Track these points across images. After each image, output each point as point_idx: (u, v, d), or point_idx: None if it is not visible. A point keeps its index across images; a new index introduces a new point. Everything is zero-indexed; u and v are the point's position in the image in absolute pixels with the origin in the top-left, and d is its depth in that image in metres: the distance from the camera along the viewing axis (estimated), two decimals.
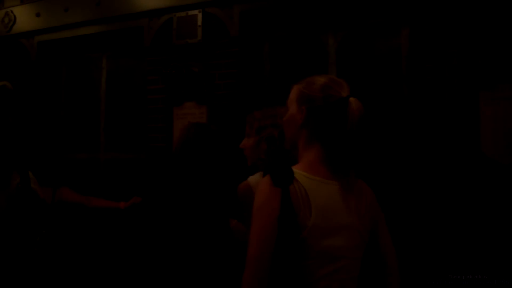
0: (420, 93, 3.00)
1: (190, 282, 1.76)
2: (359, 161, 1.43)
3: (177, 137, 2.03)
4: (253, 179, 1.86)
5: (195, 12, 3.59)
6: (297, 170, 1.37)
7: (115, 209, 2.96)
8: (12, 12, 4.54)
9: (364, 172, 1.53)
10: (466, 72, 2.85)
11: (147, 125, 3.81)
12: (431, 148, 2.87)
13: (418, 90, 3.06)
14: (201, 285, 1.76)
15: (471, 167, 2.75)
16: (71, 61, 4.66)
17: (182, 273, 1.78)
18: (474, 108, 2.83)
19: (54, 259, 2.47)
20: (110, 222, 3.57)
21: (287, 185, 1.31)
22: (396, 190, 3.06)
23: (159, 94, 3.77)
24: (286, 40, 3.62)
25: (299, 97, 1.46)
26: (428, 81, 2.92)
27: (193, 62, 3.60)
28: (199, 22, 3.56)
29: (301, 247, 1.28)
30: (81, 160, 4.44)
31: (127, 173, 4.08)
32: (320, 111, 1.39)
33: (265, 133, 1.88)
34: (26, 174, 2.53)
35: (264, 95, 3.61)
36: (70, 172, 4.37)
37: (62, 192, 2.94)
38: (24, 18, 4.48)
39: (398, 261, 1.51)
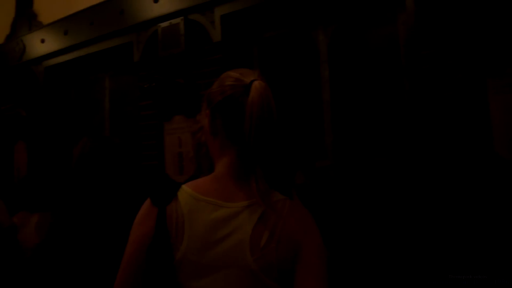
0: (419, 83, 2.57)
1: None
2: (276, 159, 1.12)
3: (75, 152, 1.82)
4: None
5: (178, 20, 3.38)
6: (186, 187, 1.09)
7: None
8: (21, 41, 4.63)
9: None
10: (472, 58, 2.39)
11: (141, 143, 3.64)
12: (434, 145, 2.44)
13: (417, 81, 2.63)
14: None
15: (478, 162, 2.32)
16: (78, 83, 4.65)
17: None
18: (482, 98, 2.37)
19: None
20: None
21: (164, 205, 1.06)
22: (397, 190, 2.68)
23: (150, 110, 3.60)
24: (274, 41, 3.31)
25: (205, 101, 1.18)
26: (427, 71, 2.49)
27: (179, 73, 3.39)
28: (182, 31, 3.35)
29: (172, 282, 1.01)
30: None
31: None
32: (220, 106, 1.11)
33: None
34: None
35: None
36: None
37: None
38: (31, 46, 4.54)
39: None
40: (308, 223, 1.08)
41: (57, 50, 4.30)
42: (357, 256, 2.64)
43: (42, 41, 4.40)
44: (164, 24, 3.46)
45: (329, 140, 3.00)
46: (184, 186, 1.09)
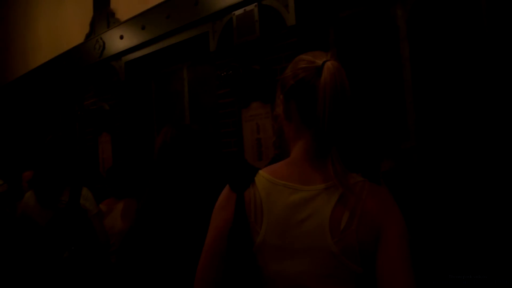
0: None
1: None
2: (353, 142, 1.12)
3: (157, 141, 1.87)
4: None
5: (252, 7, 3.40)
6: (263, 172, 1.11)
7: None
8: (101, 38, 4.86)
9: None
10: None
11: (220, 131, 3.73)
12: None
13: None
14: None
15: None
16: (157, 75, 4.83)
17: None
18: None
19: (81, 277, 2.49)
20: None
21: (242, 190, 1.09)
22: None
23: (228, 98, 3.66)
24: (350, 21, 3.24)
25: (279, 87, 1.19)
26: None
27: (254, 60, 3.42)
28: (256, 17, 3.37)
29: (254, 266, 1.04)
30: None
31: None
32: (292, 90, 1.11)
33: None
34: (76, 190, 2.60)
35: None
36: None
37: None
38: (111, 42, 4.76)
39: None
40: (389, 205, 1.06)
41: (136, 45, 4.46)
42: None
43: (121, 37, 4.59)
44: (239, 11, 3.49)
45: (411, 121, 2.90)
46: (261, 171, 1.11)
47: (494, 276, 2.11)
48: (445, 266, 2.28)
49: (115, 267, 2.79)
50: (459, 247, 2.26)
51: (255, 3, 3.37)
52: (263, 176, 1.10)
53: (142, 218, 1.78)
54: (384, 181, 2.21)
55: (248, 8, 3.43)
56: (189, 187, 1.76)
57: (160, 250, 1.67)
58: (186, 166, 1.78)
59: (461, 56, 2.72)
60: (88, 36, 5.30)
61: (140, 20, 4.37)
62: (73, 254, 2.45)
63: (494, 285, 2.09)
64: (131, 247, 1.80)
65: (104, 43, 4.83)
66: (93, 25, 5.23)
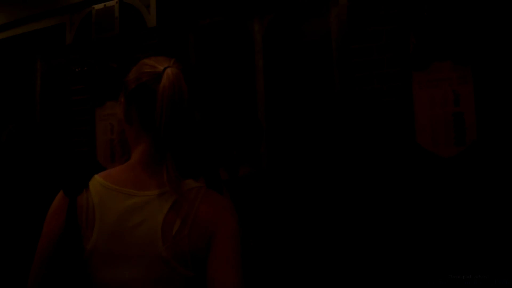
0: (350, 78, 2.63)
1: None
2: (189, 149, 1.11)
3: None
4: None
5: (113, 3, 3.29)
6: (99, 177, 1.08)
7: None
8: None
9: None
10: (397, 51, 2.46)
11: (73, 129, 3.52)
12: (362, 137, 2.51)
13: (348, 75, 2.69)
14: None
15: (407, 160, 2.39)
16: (7, 64, 4.42)
17: None
18: (407, 92, 2.44)
19: None
20: None
21: (75, 195, 1.05)
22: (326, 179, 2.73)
23: (82, 95, 3.48)
24: (210, 29, 3.28)
25: (122, 89, 1.16)
26: (357, 65, 2.55)
27: (112, 58, 3.30)
28: (116, 14, 3.26)
29: (83, 273, 1.00)
30: None
31: None
32: (133, 94, 1.09)
33: None
34: None
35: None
36: None
37: None
38: None
39: None
40: (222, 211, 1.07)
41: None
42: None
43: None
44: (99, 6, 3.35)
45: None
46: (96, 176, 1.08)
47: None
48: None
49: None
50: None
51: (116, 0, 3.26)
52: (97, 181, 1.06)
53: None
54: (242, 185, 2.20)
55: (109, 4, 3.31)
56: (23, 188, 1.67)
57: None
58: (23, 167, 1.69)
59: (309, 71, 2.91)
60: None
61: None
62: None
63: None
64: None
65: None
66: None
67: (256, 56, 3.09)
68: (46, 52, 4.10)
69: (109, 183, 1.05)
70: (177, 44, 3.30)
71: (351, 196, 2.55)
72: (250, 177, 2.23)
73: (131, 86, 1.10)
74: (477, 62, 2.32)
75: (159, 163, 1.06)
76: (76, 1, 3.48)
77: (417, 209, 2.35)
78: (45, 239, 1.05)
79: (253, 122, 2.23)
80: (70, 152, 3.49)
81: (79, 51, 3.49)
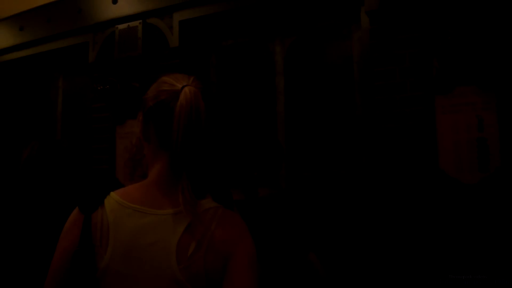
0: (372, 101, 2.62)
1: None
2: (206, 170, 1.09)
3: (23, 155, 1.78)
4: None
5: (136, 23, 3.34)
6: (115, 194, 1.06)
7: None
8: None
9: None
10: (420, 75, 2.45)
11: (92, 146, 3.55)
12: (384, 160, 2.48)
13: (369, 96, 2.68)
14: None
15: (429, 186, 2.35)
16: (32, 81, 4.49)
17: None
18: (430, 117, 2.41)
19: None
20: None
21: (89, 212, 1.04)
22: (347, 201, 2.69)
23: (103, 112, 3.52)
24: (232, 50, 3.31)
25: (141, 107, 1.16)
26: (379, 88, 2.54)
27: (134, 77, 3.33)
28: (140, 34, 3.31)
29: None
30: None
31: None
32: (152, 112, 1.09)
33: None
34: None
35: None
36: None
37: None
38: None
39: None
40: (239, 233, 1.05)
41: (12, 46, 4.15)
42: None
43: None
44: (122, 26, 3.40)
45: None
46: (112, 193, 1.07)
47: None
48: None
49: None
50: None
51: (140, 20, 3.31)
52: (113, 198, 1.05)
53: None
54: (262, 206, 2.19)
55: (132, 24, 3.36)
56: (46, 204, 1.68)
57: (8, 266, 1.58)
58: (47, 182, 1.71)
59: (331, 94, 2.91)
60: None
61: (19, 20, 4.08)
62: None
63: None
64: None
65: None
66: None
67: (277, 77, 3.10)
68: (69, 70, 4.17)
69: (125, 201, 1.04)
70: (199, 64, 3.33)
71: (372, 220, 2.52)
72: (270, 198, 2.22)
73: (150, 103, 1.09)
74: (501, 87, 2.28)
75: (175, 182, 1.05)
76: (99, 21, 3.54)
77: (437, 234, 2.31)
78: (59, 255, 1.04)
79: (273, 143, 2.22)
80: (89, 169, 3.51)
81: (101, 70, 3.54)
